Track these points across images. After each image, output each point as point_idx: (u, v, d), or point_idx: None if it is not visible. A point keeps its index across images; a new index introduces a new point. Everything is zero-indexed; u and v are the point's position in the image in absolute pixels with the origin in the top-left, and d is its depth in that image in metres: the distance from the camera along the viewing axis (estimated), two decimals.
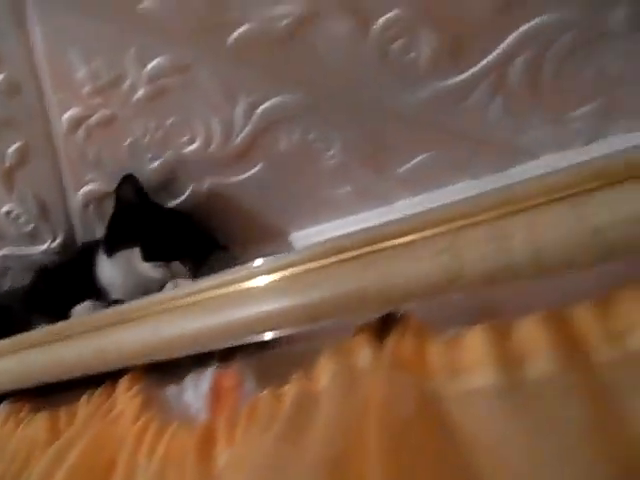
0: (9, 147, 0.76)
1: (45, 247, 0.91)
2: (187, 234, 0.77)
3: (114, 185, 0.78)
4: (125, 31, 0.61)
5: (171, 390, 0.66)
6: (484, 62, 0.58)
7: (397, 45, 0.57)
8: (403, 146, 0.68)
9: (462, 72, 0.59)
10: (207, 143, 0.71)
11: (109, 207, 0.82)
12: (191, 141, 0.71)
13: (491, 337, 0.44)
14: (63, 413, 0.71)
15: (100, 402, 0.68)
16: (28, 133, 0.75)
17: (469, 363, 0.44)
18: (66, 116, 0.71)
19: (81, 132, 0.72)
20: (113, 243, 0.78)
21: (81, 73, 0.65)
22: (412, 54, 0.58)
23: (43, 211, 0.85)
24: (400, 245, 0.48)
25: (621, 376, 0.41)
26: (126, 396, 0.65)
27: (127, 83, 0.66)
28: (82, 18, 0.61)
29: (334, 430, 0.46)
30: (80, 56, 0.64)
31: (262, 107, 0.66)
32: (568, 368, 0.42)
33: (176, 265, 0.74)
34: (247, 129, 0.68)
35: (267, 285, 0.53)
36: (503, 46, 0.56)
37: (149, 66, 0.64)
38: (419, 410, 0.45)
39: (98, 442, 0.62)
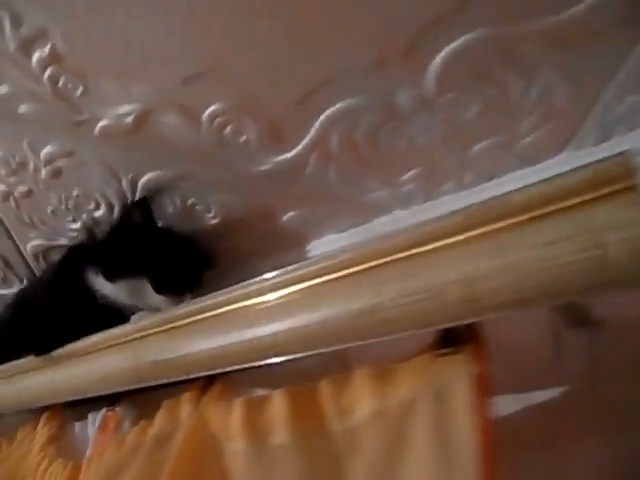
0: None
1: (16, 289, 1.06)
2: (193, 260, 0.76)
3: (54, 240, 0.91)
4: (16, 127, 0.72)
5: (79, 426, 0.78)
6: (304, 142, 0.64)
7: (228, 131, 0.65)
8: (271, 206, 0.75)
9: (290, 150, 0.65)
10: (110, 209, 0.81)
11: (55, 256, 0.95)
12: (97, 208, 0.82)
13: (247, 408, 0.51)
14: (6, 437, 0.85)
15: (29, 431, 0.81)
16: None
17: (231, 431, 0.52)
18: None
19: (11, 202, 0.85)
20: (117, 270, 0.75)
21: None
22: (243, 137, 0.65)
23: (5, 262, 1.00)
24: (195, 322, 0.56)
25: (346, 443, 0.47)
26: (42, 430, 0.77)
27: (31, 166, 0.77)
28: None
29: None
30: None
31: (141, 181, 0.75)
32: (305, 437, 0.48)
33: (186, 295, 0.74)
34: (138, 197, 0.78)
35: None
36: (314, 128, 0.62)
37: (42, 152, 0.75)
38: (206, 465, 0.54)
39: (15, 468, 0.75)
